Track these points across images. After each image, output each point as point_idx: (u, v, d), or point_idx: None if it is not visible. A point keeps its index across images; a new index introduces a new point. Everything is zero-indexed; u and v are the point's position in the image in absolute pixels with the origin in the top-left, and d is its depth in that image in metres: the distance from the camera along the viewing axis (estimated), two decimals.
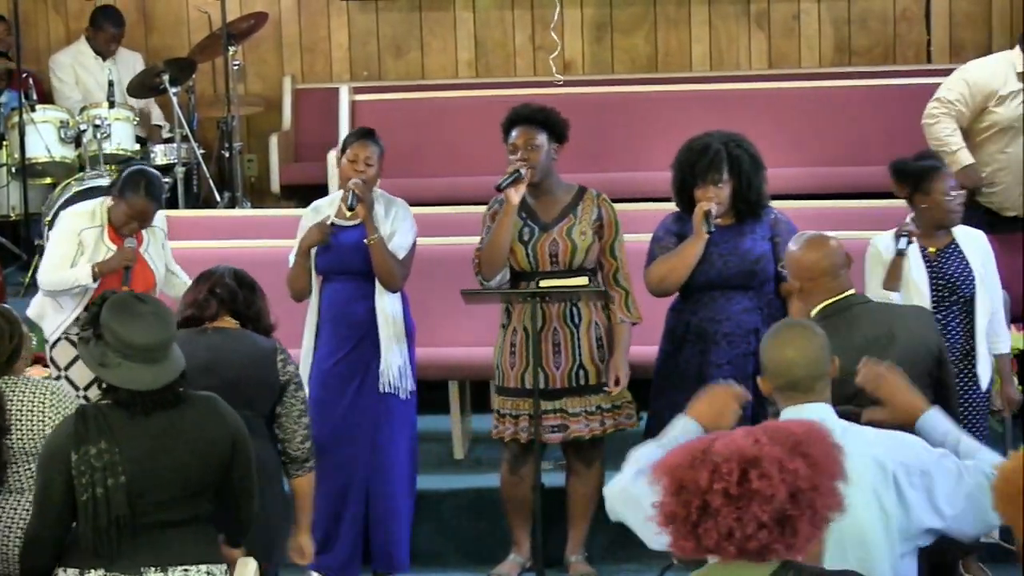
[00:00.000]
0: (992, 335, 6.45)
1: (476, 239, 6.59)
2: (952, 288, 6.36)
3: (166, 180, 9.37)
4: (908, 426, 4.34)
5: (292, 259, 6.61)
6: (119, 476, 4.40)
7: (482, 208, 6.65)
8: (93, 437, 4.41)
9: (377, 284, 6.51)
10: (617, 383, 6.45)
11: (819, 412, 4.06)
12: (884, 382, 4.48)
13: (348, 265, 6.54)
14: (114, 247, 6.71)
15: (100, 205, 6.81)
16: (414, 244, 6.62)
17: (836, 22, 10.73)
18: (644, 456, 4.20)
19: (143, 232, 6.79)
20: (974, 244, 6.45)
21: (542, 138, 6.47)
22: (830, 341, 4.31)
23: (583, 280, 6.42)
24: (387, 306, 6.52)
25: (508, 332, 6.51)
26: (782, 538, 3.15)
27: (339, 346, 6.54)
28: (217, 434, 4.53)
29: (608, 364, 6.47)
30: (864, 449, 4.01)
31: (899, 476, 4.03)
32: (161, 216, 6.95)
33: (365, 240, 6.45)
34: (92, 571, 4.45)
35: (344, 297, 6.56)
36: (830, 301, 5.31)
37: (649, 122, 9.87)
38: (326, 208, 6.67)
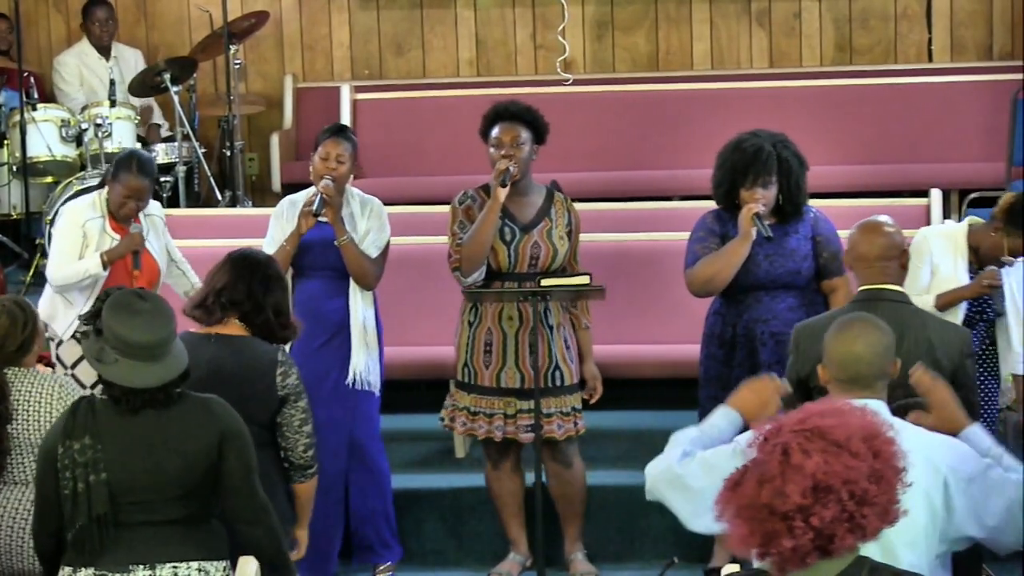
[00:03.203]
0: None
1: None
2: (980, 309, 6.40)
3: (167, 179, 9.39)
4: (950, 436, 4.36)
5: (272, 248, 6.50)
6: (100, 473, 4.42)
7: None
8: (79, 432, 4.44)
9: (351, 283, 6.54)
10: (594, 390, 6.59)
11: (874, 408, 4.03)
12: (936, 390, 4.48)
13: (322, 262, 6.56)
14: (117, 237, 6.74)
15: (98, 196, 6.85)
16: (388, 243, 6.65)
17: (837, 21, 10.72)
18: (686, 439, 4.21)
19: (142, 220, 6.80)
20: (1017, 274, 6.38)
21: (526, 136, 6.47)
22: None
23: (584, 279, 6.41)
24: (359, 310, 6.54)
25: (479, 330, 6.51)
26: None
27: (309, 341, 6.52)
28: (202, 437, 4.52)
29: (579, 370, 6.54)
30: (919, 448, 4.00)
31: (950, 480, 4.03)
32: (157, 205, 6.98)
33: (335, 242, 6.47)
34: (83, 570, 4.47)
35: (318, 294, 6.58)
36: (864, 288, 5.32)
37: (650, 121, 9.87)
38: (301, 201, 6.67)
